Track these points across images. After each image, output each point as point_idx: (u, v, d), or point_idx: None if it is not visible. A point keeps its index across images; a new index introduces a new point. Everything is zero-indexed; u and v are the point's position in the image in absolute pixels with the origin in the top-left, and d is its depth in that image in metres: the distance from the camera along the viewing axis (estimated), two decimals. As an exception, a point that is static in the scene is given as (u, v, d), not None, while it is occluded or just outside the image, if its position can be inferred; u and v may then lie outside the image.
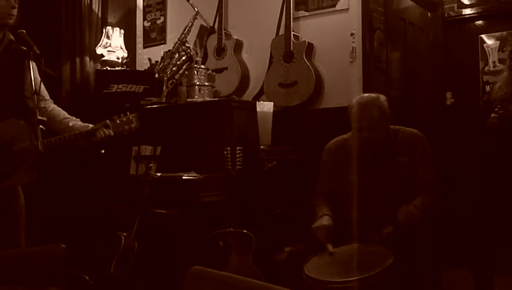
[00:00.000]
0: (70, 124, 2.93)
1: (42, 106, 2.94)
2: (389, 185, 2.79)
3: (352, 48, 3.88)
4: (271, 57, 4.19)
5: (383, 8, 4.01)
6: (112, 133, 2.85)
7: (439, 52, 5.00)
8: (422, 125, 3.37)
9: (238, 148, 3.34)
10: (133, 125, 2.91)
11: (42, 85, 2.94)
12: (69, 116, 3.01)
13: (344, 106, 3.67)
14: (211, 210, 3.36)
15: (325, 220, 2.76)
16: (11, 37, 2.78)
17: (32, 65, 2.68)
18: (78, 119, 2.99)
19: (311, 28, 4.13)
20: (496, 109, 3.39)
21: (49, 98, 3.03)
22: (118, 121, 2.88)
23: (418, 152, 2.83)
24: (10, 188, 2.77)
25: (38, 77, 2.73)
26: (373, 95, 2.89)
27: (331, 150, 3.03)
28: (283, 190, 3.71)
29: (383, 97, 2.87)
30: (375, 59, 3.90)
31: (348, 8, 3.94)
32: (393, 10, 4.22)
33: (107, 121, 2.85)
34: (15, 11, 2.75)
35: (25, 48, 2.72)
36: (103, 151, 3.00)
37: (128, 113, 2.92)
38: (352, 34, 3.88)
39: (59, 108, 3.04)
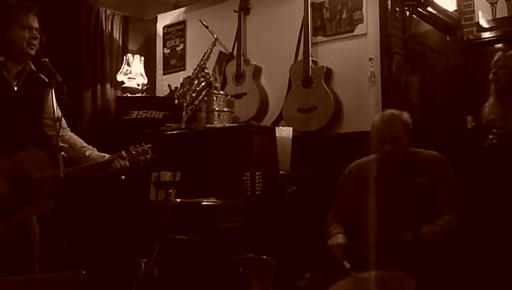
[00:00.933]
0: (87, 154, 2.95)
1: (60, 134, 2.96)
2: (409, 207, 2.77)
3: (371, 72, 3.88)
4: (290, 83, 4.20)
5: (402, 33, 4.01)
6: (128, 164, 2.86)
7: (458, 75, 4.97)
8: (442, 149, 3.33)
9: (257, 173, 3.33)
10: (148, 156, 2.92)
11: (59, 112, 2.98)
12: (86, 145, 3.02)
13: (363, 131, 3.70)
14: (231, 236, 3.34)
15: (340, 238, 2.75)
16: (32, 66, 2.82)
17: (53, 94, 2.72)
18: (95, 149, 3.01)
19: (329, 53, 4.14)
20: (494, 130, 3.35)
21: (66, 126, 3.06)
22: (133, 152, 2.90)
23: (439, 173, 2.81)
24: (25, 218, 2.78)
25: (56, 105, 2.76)
26: (396, 111, 2.90)
27: (351, 172, 3.03)
28: (303, 215, 3.68)
29: (406, 114, 2.89)
30: (394, 83, 3.89)
31: (366, 33, 3.95)
32: (412, 34, 4.22)
33: (123, 152, 2.86)
34: (36, 42, 2.79)
35: (44, 77, 2.75)
36: (123, 177, 3.01)
37: (143, 144, 2.93)
38: (370, 59, 3.88)
39: (76, 136, 3.06)
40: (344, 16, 4.06)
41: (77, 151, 2.97)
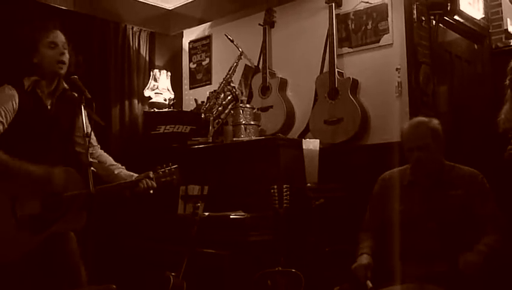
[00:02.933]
0: (116, 172, 2.98)
1: (90, 151, 3.00)
2: (440, 217, 2.72)
3: (398, 82, 3.85)
4: (316, 95, 4.19)
5: (428, 42, 3.98)
6: (155, 185, 2.88)
7: (487, 84, 4.90)
8: (473, 158, 3.29)
9: (285, 186, 3.32)
10: (174, 177, 2.94)
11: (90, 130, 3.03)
12: (115, 163, 3.05)
13: (391, 142, 3.66)
14: (259, 249, 3.33)
15: (364, 259, 2.72)
16: (65, 85, 2.87)
17: (82, 110, 2.76)
18: (124, 167, 3.03)
19: (355, 64, 4.12)
20: None
21: (97, 144, 3.10)
22: (160, 173, 2.92)
23: (475, 188, 2.75)
24: (63, 234, 2.82)
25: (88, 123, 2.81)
26: (425, 118, 2.87)
27: (384, 181, 3.00)
28: (331, 227, 3.65)
29: (436, 121, 2.85)
30: (421, 93, 3.85)
31: (392, 43, 3.93)
32: (439, 43, 4.18)
33: (150, 173, 2.89)
34: (64, 58, 2.80)
35: (76, 95, 2.80)
36: (152, 191, 3.03)
37: (170, 164, 2.95)
38: (397, 69, 3.85)
39: (106, 154, 3.09)
40: (369, 26, 4.05)
41: (106, 169, 3.00)
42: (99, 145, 3.10)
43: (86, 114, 2.77)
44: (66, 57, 2.81)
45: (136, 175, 2.91)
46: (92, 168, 2.62)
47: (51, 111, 2.81)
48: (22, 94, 2.72)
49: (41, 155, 2.75)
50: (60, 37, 2.81)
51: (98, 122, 2.76)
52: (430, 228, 2.71)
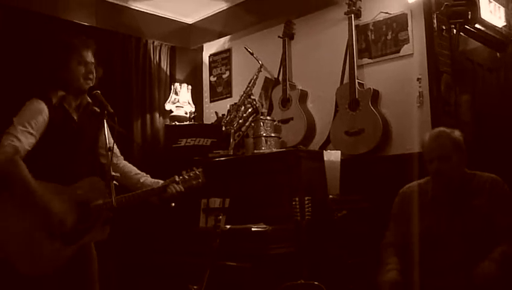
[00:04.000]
0: (141, 180, 3.02)
1: (114, 162, 3.06)
2: (464, 230, 2.68)
3: (419, 92, 3.82)
4: (336, 106, 4.18)
5: (449, 51, 3.95)
6: (182, 188, 2.91)
7: (510, 91, 4.84)
8: (497, 168, 3.23)
9: (306, 198, 3.31)
10: (200, 181, 2.97)
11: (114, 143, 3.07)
12: (139, 172, 3.10)
13: (413, 152, 3.63)
14: (281, 262, 3.31)
15: (393, 274, 2.67)
16: (89, 99, 2.93)
17: (104, 124, 2.80)
18: (148, 175, 3.08)
19: (375, 74, 4.11)
20: None
21: (120, 154, 3.15)
22: (186, 177, 2.96)
23: (496, 195, 2.71)
24: (89, 244, 2.86)
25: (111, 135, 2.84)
26: (447, 128, 2.83)
27: (405, 195, 2.96)
28: (354, 239, 3.62)
29: (457, 132, 2.82)
30: (443, 103, 3.82)
31: (412, 53, 3.90)
32: (460, 52, 4.14)
33: (176, 177, 2.92)
34: (92, 76, 2.90)
35: (98, 109, 2.86)
36: (173, 204, 3.05)
37: (195, 169, 2.98)
38: (418, 79, 3.82)
39: (130, 164, 3.15)
40: (389, 37, 4.04)
41: (131, 178, 3.05)
42: (122, 157, 3.15)
43: (108, 128, 2.82)
44: (93, 74, 2.89)
45: (162, 182, 2.94)
46: (114, 181, 2.65)
47: (78, 124, 2.88)
48: (51, 108, 2.79)
49: (70, 167, 2.81)
50: (88, 54, 2.90)
51: (120, 134, 2.80)
52: (454, 242, 2.68)
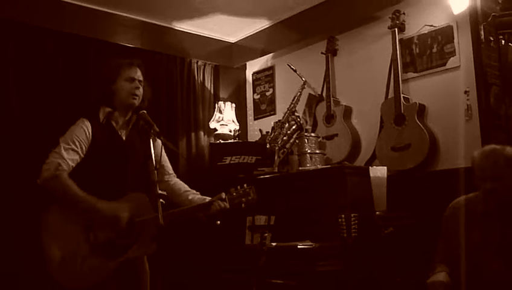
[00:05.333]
0: (190, 197, 3.06)
1: (166, 179, 3.14)
2: None
3: (467, 105, 3.73)
4: (381, 121, 4.13)
5: (498, 62, 3.85)
6: (228, 205, 2.91)
7: None
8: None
9: (352, 215, 3.27)
10: (249, 198, 2.94)
11: (166, 159, 3.14)
12: (189, 189, 3.14)
13: (462, 167, 3.55)
14: (328, 280, 3.27)
15: (441, 276, 2.63)
16: (140, 118, 2.99)
17: (157, 142, 2.85)
18: (198, 193, 3.11)
19: (421, 88, 4.04)
20: None
21: (172, 172, 3.20)
22: (234, 194, 2.95)
23: None
24: (135, 259, 2.89)
25: (161, 153, 2.89)
26: (498, 146, 2.76)
27: (455, 209, 2.91)
28: (401, 257, 3.55)
29: (509, 148, 2.74)
30: (493, 116, 3.71)
31: (459, 66, 3.83)
32: (509, 63, 4.03)
33: (222, 194, 2.93)
34: (139, 92, 2.98)
35: (147, 127, 2.91)
36: (219, 222, 3.06)
37: (245, 185, 2.97)
38: (466, 92, 3.74)
39: (181, 182, 3.20)
40: (435, 50, 3.97)
41: (181, 195, 3.10)
42: (175, 174, 3.20)
43: (159, 145, 2.87)
44: (140, 92, 2.99)
45: (209, 199, 2.96)
46: (161, 199, 2.68)
47: (126, 141, 2.94)
48: (97, 126, 2.88)
49: (118, 183, 2.87)
50: (137, 73, 2.99)
51: (168, 151, 2.85)
52: (504, 259, 2.61)
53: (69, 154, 2.77)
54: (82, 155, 2.82)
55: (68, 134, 2.84)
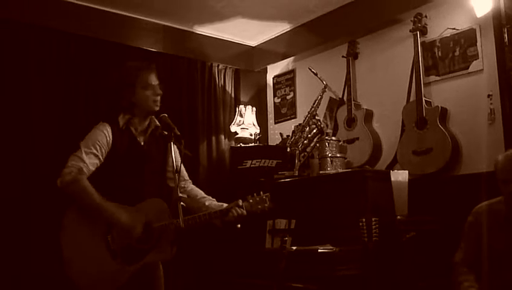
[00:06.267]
0: (207, 203, 3.07)
1: (182, 185, 3.13)
2: None
3: (491, 109, 3.69)
4: (403, 125, 4.10)
5: (522, 66, 3.80)
6: (245, 213, 2.91)
7: None
8: None
9: (373, 219, 3.25)
10: (266, 205, 2.95)
11: (182, 166, 3.14)
12: (205, 195, 3.15)
13: (485, 171, 3.50)
14: (348, 284, 3.26)
15: None
16: (157, 122, 3.01)
17: (174, 147, 2.87)
18: (214, 199, 3.12)
19: (443, 92, 4.01)
20: None
21: (188, 178, 3.22)
22: (251, 201, 2.95)
23: None
24: (153, 265, 2.91)
25: (179, 158, 2.90)
26: None
27: (478, 214, 2.89)
28: (423, 262, 3.51)
29: None
30: (516, 120, 3.67)
31: (482, 69, 3.79)
32: (534, 67, 3.98)
33: (240, 201, 2.92)
34: (158, 98, 3.00)
35: (166, 132, 2.93)
36: (239, 226, 3.07)
37: (261, 193, 2.97)
38: (489, 96, 3.70)
39: (197, 188, 3.21)
40: (457, 53, 3.94)
41: (197, 201, 3.10)
42: (190, 181, 3.21)
43: (176, 150, 2.88)
44: (160, 96, 2.98)
45: (226, 205, 2.96)
46: (181, 203, 2.70)
47: (145, 147, 2.95)
48: (117, 131, 2.89)
49: (136, 189, 2.89)
50: (153, 78, 2.99)
51: (186, 156, 2.86)
52: None
53: (90, 158, 2.79)
54: (102, 159, 2.84)
55: (89, 138, 2.86)
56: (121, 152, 2.89)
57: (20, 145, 3.85)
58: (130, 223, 2.75)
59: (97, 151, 2.82)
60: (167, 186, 3.08)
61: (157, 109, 2.99)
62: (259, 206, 2.94)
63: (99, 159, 2.83)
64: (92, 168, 2.80)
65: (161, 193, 2.97)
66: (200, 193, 3.16)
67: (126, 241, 2.77)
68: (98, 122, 2.98)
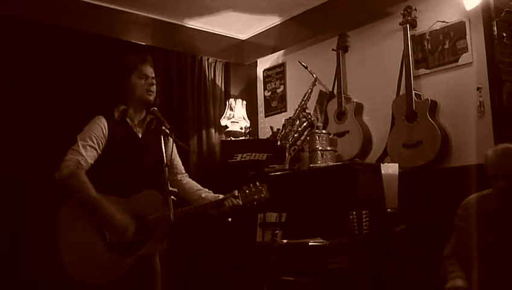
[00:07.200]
0: (203, 195, 3.08)
1: (178, 178, 3.16)
2: None
3: (480, 102, 3.71)
4: (393, 118, 4.11)
5: (510, 59, 3.81)
6: (241, 203, 2.93)
7: None
8: None
9: (364, 212, 3.26)
10: (262, 195, 2.97)
11: (178, 159, 3.15)
12: (201, 188, 3.17)
13: (474, 164, 3.52)
14: (339, 277, 3.27)
15: (459, 282, 2.61)
16: (151, 115, 3.01)
17: (168, 140, 2.86)
18: (211, 191, 3.12)
19: (433, 85, 4.02)
20: None
21: (184, 171, 3.22)
22: (247, 191, 2.97)
23: None
24: (147, 256, 2.90)
25: (176, 152, 2.90)
26: (511, 144, 2.75)
27: (467, 207, 2.90)
28: (413, 254, 3.53)
29: None
30: (505, 113, 3.68)
31: (471, 62, 3.80)
32: (522, 60, 4.00)
33: (235, 192, 2.94)
34: (154, 88, 3.00)
35: (158, 124, 2.93)
36: (230, 219, 3.07)
37: (257, 183, 2.98)
38: (478, 88, 3.71)
39: (193, 181, 3.22)
40: (447, 46, 3.95)
41: (193, 194, 3.12)
42: (187, 174, 3.22)
43: (172, 144, 2.89)
44: (155, 88, 3.00)
45: (222, 196, 2.97)
46: (172, 196, 2.69)
47: (142, 139, 2.96)
48: (112, 123, 2.90)
49: (133, 181, 2.89)
50: (149, 69, 3.00)
51: (179, 149, 2.86)
52: None
53: (87, 151, 2.80)
54: (99, 152, 2.85)
55: (85, 131, 2.87)
56: (118, 143, 2.90)
57: (9, 140, 3.82)
58: (124, 224, 2.75)
59: (94, 143, 2.83)
60: (163, 178, 3.08)
61: (151, 99, 2.99)
62: (256, 197, 2.96)
63: (96, 151, 2.84)
64: (91, 161, 2.81)
65: (158, 184, 2.97)
66: (196, 185, 3.18)
67: (120, 239, 2.77)
68: (88, 115, 2.97)
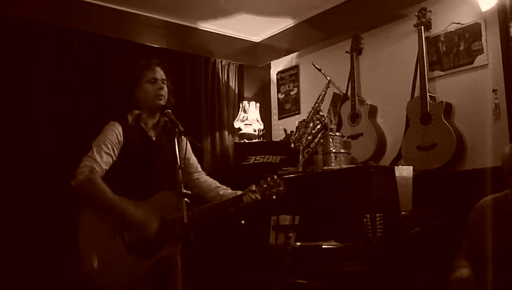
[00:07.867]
0: (221, 193, 3.12)
1: (195, 177, 3.19)
2: None
3: (496, 104, 3.67)
4: (407, 120, 4.08)
5: (527, 60, 3.78)
6: (259, 197, 2.93)
7: None
8: None
9: (378, 214, 3.24)
10: (280, 189, 2.98)
11: (194, 158, 3.16)
12: (220, 185, 3.20)
13: (490, 167, 3.49)
14: (353, 280, 3.25)
15: (464, 272, 2.58)
16: (165, 117, 3.02)
17: (182, 141, 2.88)
18: (229, 188, 3.13)
19: (448, 87, 3.99)
20: None
21: (201, 170, 3.24)
22: (264, 185, 2.98)
23: None
24: (169, 257, 2.91)
25: (191, 151, 2.92)
26: None
27: (482, 209, 2.88)
28: (428, 257, 3.51)
29: None
30: (521, 115, 3.65)
31: (487, 64, 3.76)
32: (539, 61, 3.96)
33: (253, 186, 2.95)
34: (163, 91, 3.01)
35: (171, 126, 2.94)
36: (243, 222, 3.07)
37: (275, 177, 2.99)
38: (494, 90, 3.68)
39: (212, 179, 3.23)
40: (462, 48, 3.91)
41: (211, 192, 3.16)
42: (204, 172, 3.23)
43: (184, 145, 2.90)
44: (165, 91, 3.03)
45: (240, 192, 2.97)
46: (186, 199, 2.70)
47: (156, 142, 2.98)
48: (127, 128, 2.92)
49: (149, 184, 2.91)
50: (159, 73, 3.03)
51: (194, 149, 2.87)
52: None
53: (102, 158, 2.83)
54: (115, 158, 2.89)
55: (100, 137, 2.90)
56: (133, 148, 2.92)
57: (25, 142, 3.86)
58: (146, 219, 2.77)
59: (109, 149, 2.85)
60: (177, 180, 3.09)
61: (161, 103, 3.00)
62: (274, 190, 2.96)
63: (111, 157, 2.87)
64: (106, 167, 2.84)
65: (173, 186, 2.98)
66: (215, 182, 3.21)
67: (144, 237, 2.77)
68: (103, 119, 3.00)
